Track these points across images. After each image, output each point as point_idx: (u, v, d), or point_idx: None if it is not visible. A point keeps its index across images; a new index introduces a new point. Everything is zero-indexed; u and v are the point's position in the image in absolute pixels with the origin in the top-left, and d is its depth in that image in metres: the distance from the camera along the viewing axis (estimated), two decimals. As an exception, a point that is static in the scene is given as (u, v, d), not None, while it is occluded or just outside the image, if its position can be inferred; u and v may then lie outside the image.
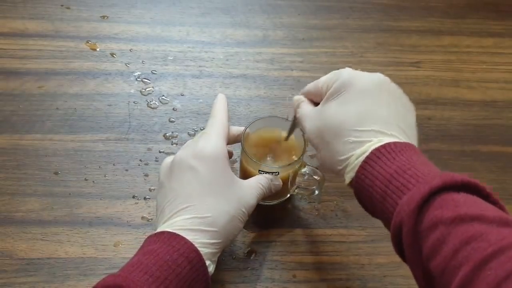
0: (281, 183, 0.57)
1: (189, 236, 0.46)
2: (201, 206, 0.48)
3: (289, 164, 0.56)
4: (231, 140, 0.56)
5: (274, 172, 0.56)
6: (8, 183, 0.61)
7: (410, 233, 0.38)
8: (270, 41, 0.80)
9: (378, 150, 0.43)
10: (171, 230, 0.46)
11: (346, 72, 0.48)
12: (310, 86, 0.52)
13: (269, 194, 0.55)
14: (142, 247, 0.47)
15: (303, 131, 0.52)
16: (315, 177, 0.58)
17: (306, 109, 0.52)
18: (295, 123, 0.55)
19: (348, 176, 0.46)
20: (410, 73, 0.77)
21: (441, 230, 0.37)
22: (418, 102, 0.74)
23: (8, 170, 0.63)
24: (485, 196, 0.39)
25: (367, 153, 0.44)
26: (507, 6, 0.88)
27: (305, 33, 0.81)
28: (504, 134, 0.72)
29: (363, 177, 0.44)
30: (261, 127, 0.59)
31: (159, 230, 0.47)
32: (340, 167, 0.46)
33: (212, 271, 0.47)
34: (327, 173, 0.55)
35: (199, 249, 0.45)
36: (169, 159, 0.53)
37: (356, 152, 0.45)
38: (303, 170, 0.58)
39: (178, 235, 0.46)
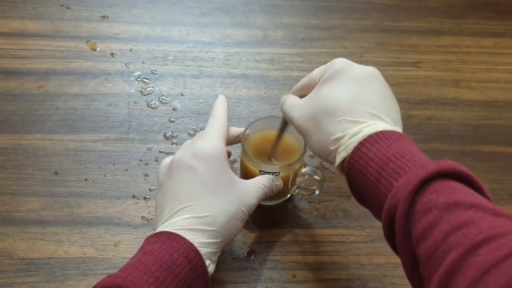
0: (282, 183, 0.57)
1: (189, 236, 0.46)
2: (200, 206, 0.48)
3: (289, 164, 0.56)
4: (231, 140, 0.56)
5: (274, 172, 0.56)
6: (8, 183, 0.61)
7: (404, 216, 0.38)
8: (270, 41, 0.80)
9: (375, 135, 0.43)
10: (170, 230, 0.46)
11: (341, 61, 0.49)
12: (304, 79, 0.53)
13: (271, 195, 0.55)
14: (141, 247, 0.47)
15: (291, 122, 0.52)
16: (315, 177, 0.58)
17: (292, 101, 0.52)
18: (285, 121, 0.55)
19: (340, 156, 0.45)
20: (410, 73, 0.77)
21: (434, 214, 0.37)
22: (418, 102, 0.74)
23: (8, 170, 0.63)
24: (480, 191, 0.39)
25: (361, 134, 0.44)
26: (507, 6, 0.88)
27: (305, 33, 0.81)
28: (504, 134, 0.72)
29: (357, 158, 0.43)
30: (261, 127, 0.59)
31: (158, 230, 0.47)
32: (332, 148, 0.46)
33: (212, 271, 0.47)
34: (316, 158, 0.55)
35: (198, 248, 0.45)
36: (168, 159, 0.53)
37: (349, 132, 0.45)
38: (303, 170, 0.58)
39: (178, 235, 0.46)
